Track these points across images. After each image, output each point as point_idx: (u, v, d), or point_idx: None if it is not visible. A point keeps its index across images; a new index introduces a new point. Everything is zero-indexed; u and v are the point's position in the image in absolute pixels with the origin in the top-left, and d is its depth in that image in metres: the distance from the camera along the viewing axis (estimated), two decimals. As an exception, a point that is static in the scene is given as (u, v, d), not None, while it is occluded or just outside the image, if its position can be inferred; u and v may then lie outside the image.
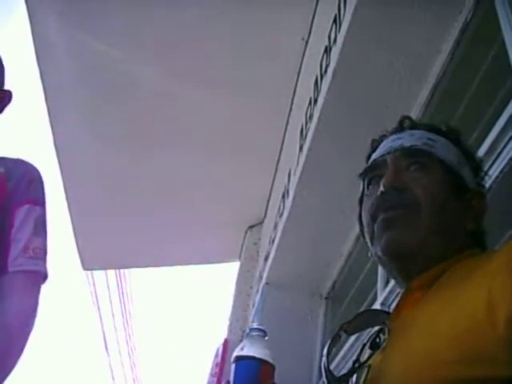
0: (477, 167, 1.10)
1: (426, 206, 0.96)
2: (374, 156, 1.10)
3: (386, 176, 1.01)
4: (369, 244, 1.04)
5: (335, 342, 1.05)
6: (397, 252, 0.98)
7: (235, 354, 1.24)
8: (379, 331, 0.97)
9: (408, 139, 1.05)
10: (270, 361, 1.23)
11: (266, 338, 1.27)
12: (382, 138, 1.12)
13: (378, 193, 1.00)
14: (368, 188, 1.07)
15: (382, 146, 1.10)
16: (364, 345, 0.99)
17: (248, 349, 1.23)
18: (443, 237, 0.97)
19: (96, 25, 3.47)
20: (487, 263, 0.82)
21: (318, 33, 3.13)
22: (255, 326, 1.30)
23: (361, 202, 1.10)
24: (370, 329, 1.07)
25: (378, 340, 0.95)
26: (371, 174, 1.07)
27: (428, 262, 0.95)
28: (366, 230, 1.04)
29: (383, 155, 1.06)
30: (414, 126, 1.11)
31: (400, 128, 1.11)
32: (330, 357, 1.02)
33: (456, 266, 0.93)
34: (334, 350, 1.07)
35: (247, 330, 1.29)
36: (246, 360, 1.22)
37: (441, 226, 0.96)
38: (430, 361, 0.76)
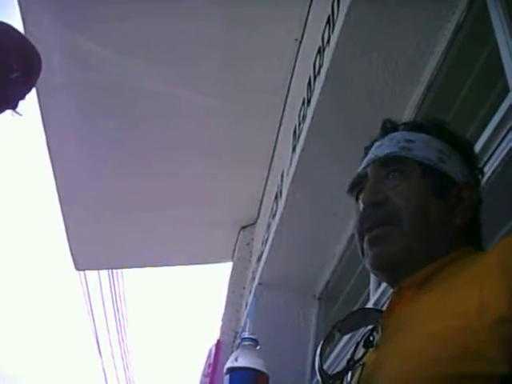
0: (466, 154, 1.09)
1: (406, 214, 0.97)
2: (359, 169, 1.12)
3: (364, 191, 1.03)
4: (361, 257, 1.05)
5: (328, 341, 1.05)
6: (383, 265, 1.00)
7: (229, 365, 1.23)
8: (372, 330, 0.98)
9: (386, 145, 1.06)
10: (265, 371, 1.22)
11: (258, 347, 1.27)
12: (370, 143, 1.14)
13: (361, 208, 1.03)
14: (357, 201, 1.08)
15: (368, 155, 1.12)
16: (358, 343, 0.99)
17: (242, 359, 1.22)
18: (429, 241, 0.97)
19: (90, 26, 3.46)
20: (479, 263, 0.84)
21: (312, 33, 3.14)
22: (247, 335, 1.30)
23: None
24: (363, 328, 1.07)
25: (371, 338, 0.95)
26: (357, 188, 1.09)
27: (417, 266, 0.96)
28: (357, 242, 1.06)
29: (364, 167, 1.08)
30: (395, 127, 1.12)
31: (383, 132, 1.12)
32: (324, 356, 1.02)
33: (449, 266, 0.93)
34: (328, 349, 1.07)
35: (239, 340, 1.29)
36: (242, 371, 1.21)
37: (424, 231, 0.97)
38: (423, 358, 0.77)
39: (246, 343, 1.27)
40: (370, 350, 0.94)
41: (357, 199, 1.08)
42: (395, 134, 1.09)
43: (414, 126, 1.10)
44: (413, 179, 1.01)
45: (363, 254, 1.03)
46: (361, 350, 0.96)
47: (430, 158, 1.02)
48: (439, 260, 0.95)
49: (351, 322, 1.07)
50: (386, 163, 1.04)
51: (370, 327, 1.01)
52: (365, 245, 1.01)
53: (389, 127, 1.12)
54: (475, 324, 0.74)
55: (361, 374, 0.91)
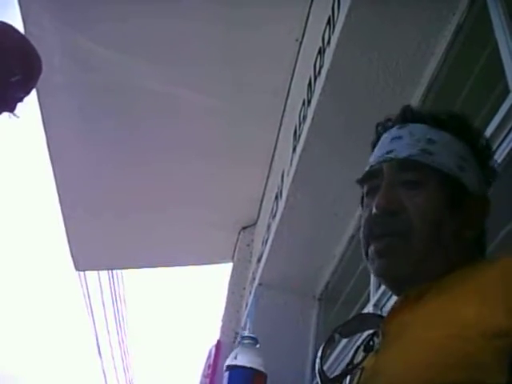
0: (484, 158, 1.06)
1: (419, 229, 0.95)
2: (372, 158, 1.07)
3: (380, 195, 0.98)
4: (364, 259, 1.03)
5: (329, 343, 1.05)
6: (389, 278, 1.00)
7: (228, 362, 1.25)
8: (373, 334, 0.98)
9: (406, 144, 1.01)
10: (263, 370, 1.24)
11: (258, 345, 1.28)
12: (387, 124, 1.09)
13: (372, 212, 0.99)
14: (366, 196, 1.05)
15: (382, 140, 1.07)
16: (358, 347, 0.99)
17: (241, 358, 1.24)
18: (437, 257, 0.95)
19: (90, 26, 3.46)
20: (482, 275, 0.85)
21: (312, 34, 3.14)
22: (247, 334, 1.31)
23: (362, 204, 1.09)
24: (363, 332, 1.07)
25: (371, 343, 0.95)
26: (368, 182, 1.05)
27: (422, 280, 0.95)
28: (362, 244, 1.03)
29: (380, 162, 1.03)
30: (416, 118, 1.07)
31: (402, 119, 1.07)
32: (325, 358, 1.02)
33: (452, 274, 0.93)
34: (328, 352, 1.07)
35: (239, 339, 1.30)
36: (240, 369, 1.23)
37: (435, 248, 0.95)
38: (419, 364, 0.77)
39: (246, 341, 1.28)
40: (370, 354, 0.94)
41: (367, 194, 1.05)
42: (416, 126, 1.04)
43: (435, 122, 1.05)
44: (431, 190, 0.97)
45: (367, 257, 1.01)
46: (360, 355, 0.96)
47: (450, 166, 0.99)
48: (446, 275, 0.93)
49: (352, 325, 1.07)
50: (404, 167, 0.99)
51: (370, 332, 1.01)
52: (370, 251, 0.99)
53: (409, 117, 1.07)
54: (472, 334, 0.74)
55: (359, 377, 0.92)
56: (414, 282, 0.95)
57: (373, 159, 1.06)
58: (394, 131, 1.06)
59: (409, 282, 0.96)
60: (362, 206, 1.07)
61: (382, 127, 1.10)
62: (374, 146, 1.10)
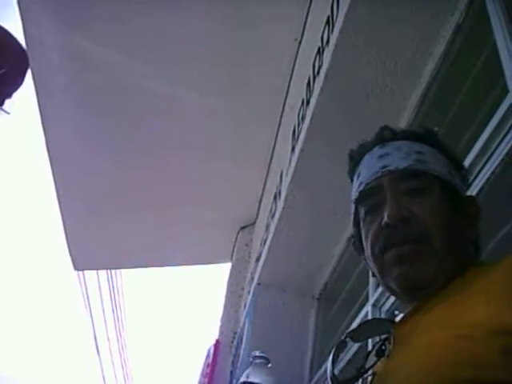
0: (459, 165, 1.09)
1: (435, 231, 0.95)
2: (363, 177, 1.06)
3: (390, 205, 0.98)
4: (376, 274, 1.02)
5: (341, 348, 1.06)
6: (413, 286, 0.97)
7: (241, 381, 1.26)
8: (385, 340, 0.98)
9: (397, 156, 1.03)
10: None
11: (269, 365, 1.29)
12: (361, 148, 1.10)
13: (383, 224, 0.97)
14: (366, 215, 1.04)
15: (366, 161, 1.07)
16: (369, 352, 1.00)
17: (254, 376, 1.25)
18: (454, 257, 0.96)
19: (89, 26, 3.46)
20: (488, 276, 0.85)
21: (311, 34, 3.14)
22: (258, 353, 1.32)
23: (357, 224, 1.08)
24: (374, 337, 1.08)
25: (383, 348, 0.95)
26: (368, 200, 1.04)
27: (439, 285, 0.95)
28: (370, 259, 1.02)
29: (377, 178, 1.03)
30: (396, 136, 1.08)
31: (382, 139, 1.08)
32: (336, 362, 1.03)
33: (462, 276, 0.93)
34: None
35: (250, 359, 1.30)
36: None
37: (451, 248, 0.96)
38: (431, 365, 0.78)
39: (258, 361, 1.29)
40: (381, 359, 0.94)
41: (366, 213, 1.04)
42: (399, 143, 1.06)
43: (415, 137, 1.07)
44: (435, 195, 0.99)
45: (382, 271, 0.99)
46: (372, 359, 0.97)
47: (444, 172, 1.02)
48: (456, 278, 0.94)
49: (363, 330, 1.08)
50: (405, 177, 1.00)
51: (382, 337, 1.01)
52: (387, 261, 0.97)
53: (387, 135, 1.08)
54: (479, 333, 0.75)
55: (371, 382, 0.93)
56: (433, 286, 0.95)
57: (365, 178, 1.05)
58: (377, 151, 1.07)
59: (428, 287, 0.95)
60: (358, 227, 1.07)
61: (357, 152, 1.12)
62: (352, 171, 1.11)
